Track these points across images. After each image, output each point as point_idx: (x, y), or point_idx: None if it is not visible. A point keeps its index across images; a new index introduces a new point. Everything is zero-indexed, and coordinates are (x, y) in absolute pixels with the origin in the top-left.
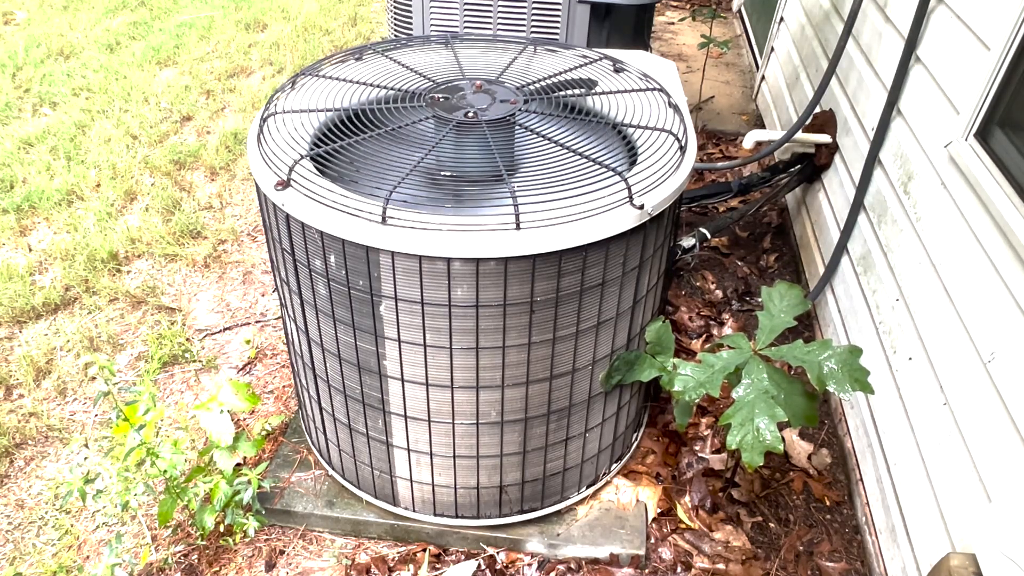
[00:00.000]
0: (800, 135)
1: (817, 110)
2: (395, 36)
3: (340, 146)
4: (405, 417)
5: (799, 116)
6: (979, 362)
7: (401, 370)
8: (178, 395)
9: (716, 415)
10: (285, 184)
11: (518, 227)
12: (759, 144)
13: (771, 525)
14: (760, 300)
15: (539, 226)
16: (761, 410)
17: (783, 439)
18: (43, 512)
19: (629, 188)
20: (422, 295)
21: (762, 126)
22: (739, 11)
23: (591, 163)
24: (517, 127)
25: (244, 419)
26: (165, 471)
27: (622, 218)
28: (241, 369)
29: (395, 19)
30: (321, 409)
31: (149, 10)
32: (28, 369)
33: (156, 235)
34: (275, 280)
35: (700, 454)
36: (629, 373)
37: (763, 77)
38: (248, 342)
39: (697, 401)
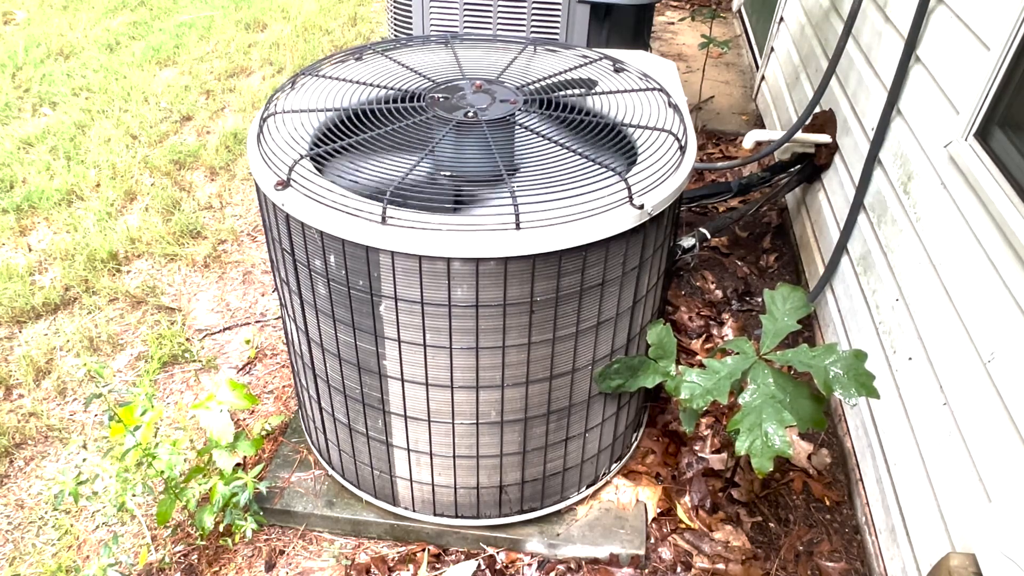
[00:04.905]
0: (800, 135)
1: (817, 110)
2: (395, 36)
3: (340, 146)
4: (405, 417)
5: (799, 116)
6: (979, 362)
7: (401, 370)
8: (178, 395)
9: (716, 415)
10: (285, 184)
11: (518, 227)
12: (759, 144)
13: (771, 525)
14: (760, 300)
15: (539, 226)
16: (769, 415)
17: (790, 443)
18: (43, 512)
19: (629, 188)
20: (422, 295)
21: (762, 126)
22: (739, 11)
23: (591, 163)
24: (517, 127)
25: (244, 419)
26: (163, 472)
27: (622, 218)
28: (241, 369)
29: (395, 19)
30: (321, 409)
31: (149, 10)
32: (28, 369)
33: (156, 235)
34: (275, 280)
35: (700, 454)
36: (632, 380)
37: (763, 77)
38: (248, 342)
39: (705, 408)
